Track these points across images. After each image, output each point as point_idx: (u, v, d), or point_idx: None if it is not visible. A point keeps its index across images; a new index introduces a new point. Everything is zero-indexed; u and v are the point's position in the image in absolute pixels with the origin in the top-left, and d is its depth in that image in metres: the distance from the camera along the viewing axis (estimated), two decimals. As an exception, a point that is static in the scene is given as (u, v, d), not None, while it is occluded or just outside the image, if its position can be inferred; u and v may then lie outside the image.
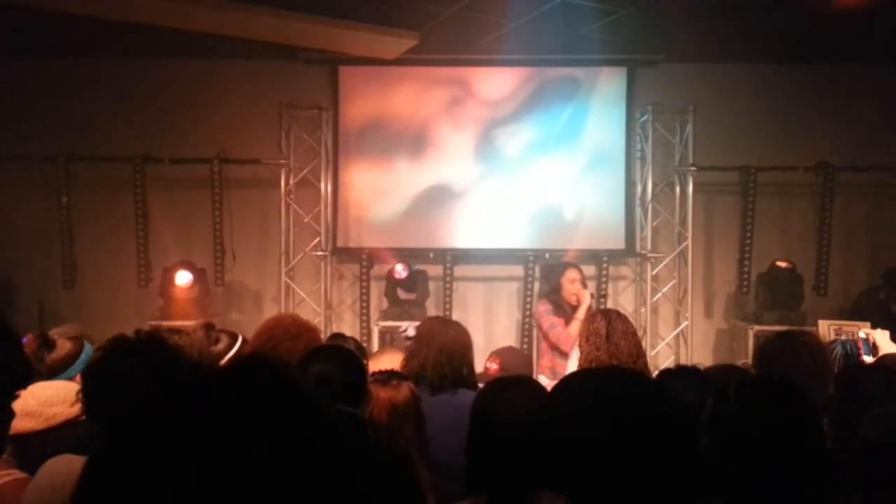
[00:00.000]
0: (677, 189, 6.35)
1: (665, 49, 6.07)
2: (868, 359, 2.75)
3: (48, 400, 1.93)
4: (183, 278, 5.89)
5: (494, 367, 2.64)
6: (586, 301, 4.39)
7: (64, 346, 2.53)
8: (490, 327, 6.70)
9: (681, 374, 2.20)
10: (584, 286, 4.57)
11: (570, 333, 4.19)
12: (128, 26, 4.99)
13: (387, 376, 2.14)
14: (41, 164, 6.06)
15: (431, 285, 6.28)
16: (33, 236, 6.29)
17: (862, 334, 2.82)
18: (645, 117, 6.25)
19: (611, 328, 2.67)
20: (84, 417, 1.99)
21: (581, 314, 4.29)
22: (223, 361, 2.71)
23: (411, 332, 2.68)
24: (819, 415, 1.53)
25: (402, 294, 6.05)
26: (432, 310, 6.29)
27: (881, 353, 2.73)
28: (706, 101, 6.22)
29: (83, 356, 2.53)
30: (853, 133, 6.23)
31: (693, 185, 6.18)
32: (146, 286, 6.17)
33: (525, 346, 6.22)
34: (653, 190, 6.27)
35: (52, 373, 2.41)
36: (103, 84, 6.23)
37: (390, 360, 3.12)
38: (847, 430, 1.82)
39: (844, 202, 6.24)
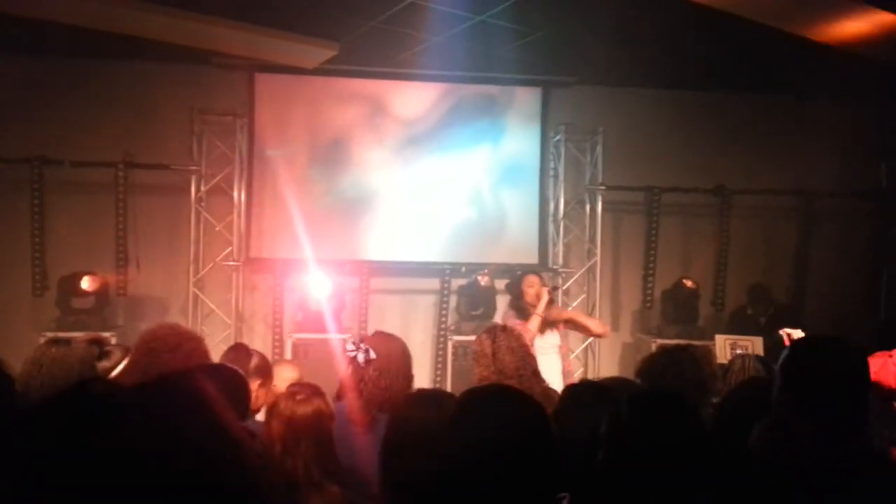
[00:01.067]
0: (587, 207, 6.58)
1: (578, 71, 6.31)
2: None
3: None
4: (82, 287, 5.59)
5: (373, 355, 2.53)
6: (545, 297, 4.51)
7: None
8: (406, 340, 6.67)
9: (585, 391, 2.27)
10: (545, 286, 4.72)
11: (527, 328, 4.34)
12: (34, 22, 4.72)
13: (297, 389, 2.10)
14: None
15: (347, 297, 6.22)
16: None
17: (782, 333, 2.99)
18: (558, 137, 6.46)
19: (495, 346, 2.75)
20: None
21: (540, 309, 4.44)
22: (111, 376, 2.59)
23: (373, 354, 2.46)
24: (705, 426, 1.62)
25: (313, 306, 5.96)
26: (348, 321, 6.24)
27: None
28: (615, 123, 6.49)
29: None
30: (749, 157, 6.66)
31: (602, 203, 6.43)
32: (41, 295, 5.81)
33: (439, 359, 6.25)
34: (565, 207, 6.48)
35: None
36: (5, 81, 5.85)
37: (289, 373, 3.07)
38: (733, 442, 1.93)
39: (741, 222, 6.64)
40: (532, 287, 4.67)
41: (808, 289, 6.65)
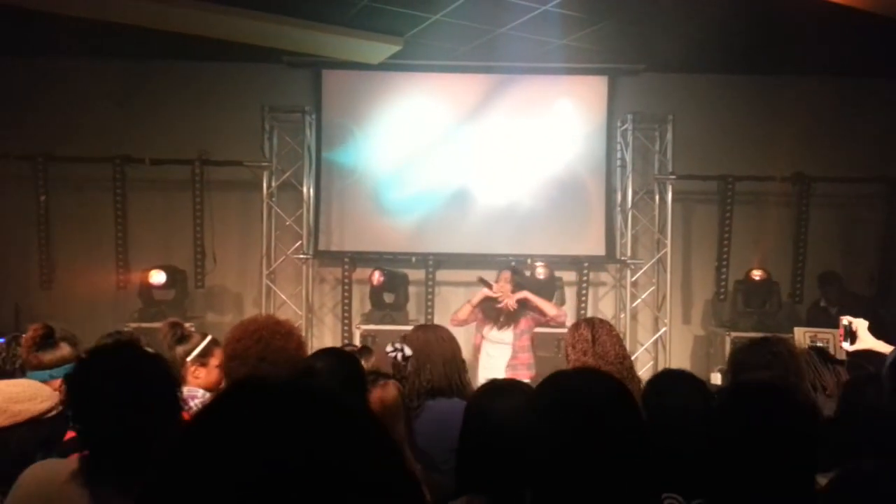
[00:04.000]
0: (657, 197, 6.43)
1: (645, 59, 6.16)
2: (846, 344, 2.88)
3: (13, 397, 1.92)
4: (161, 280, 5.86)
5: (408, 352, 2.72)
6: (479, 296, 4.68)
7: (63, 349, 2.56)
8: (470, 332, 6.71)
9: (673, 378, 2.24)
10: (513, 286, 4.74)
11: (455, 315, 4.73)
12: (112, 26, 4.96)
13: (374, 377, 2.20)
14: (19, 163, 6.00)
15: (413, 289, 6.29)
16: (10, 236, 6.21)
17: (845, 321, 2.93)
18: (626, 126, 6.32)
19: (595, 332, 2.76)
20: (49, 415, 2.02)
21: (475, 301, 4.66)
22: (189, 359, 2.71)
23: (408, 352, 2.67)
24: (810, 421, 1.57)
25: (386, 298, 6.07)
26: (413, 314, 6.31)
27: (859, 341, 2.84)
28: (685, 110, 6.30)
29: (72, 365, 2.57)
30: (829, 143, 6.35)
31: (672, 193, 6.26)
32: (124, 288, 6.12)
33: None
34: (633, 197, 6.35)
35: (37, 368, 2.42)
36: (85, 84, 6.16)
37: None
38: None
39: (820, 211, 6.36)
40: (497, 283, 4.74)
41: (893, 280, 6.30)
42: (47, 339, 2.56)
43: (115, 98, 6.20)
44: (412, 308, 6.35)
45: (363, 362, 2.81)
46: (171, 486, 0.55)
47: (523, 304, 4.59)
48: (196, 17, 4.87)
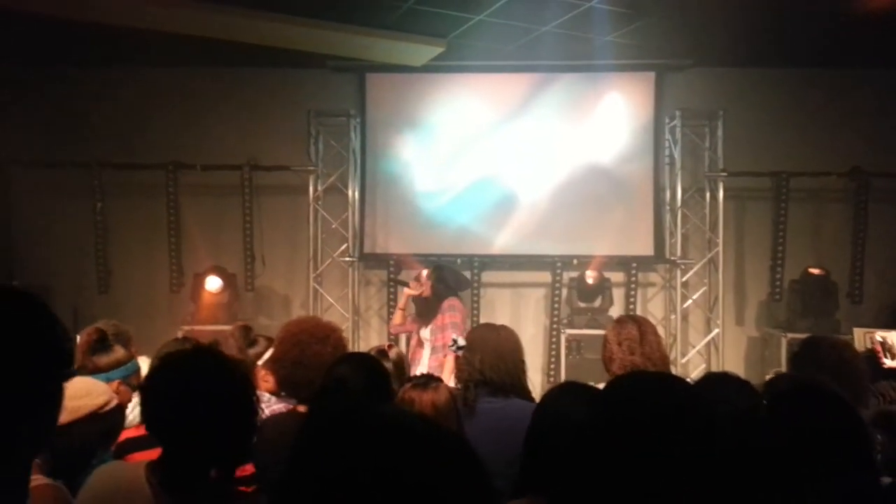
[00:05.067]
0: (707, 195, 6.28)
1: (693, 54, 6.02)
2: (888, 362, 2.74)
3: (73, 393, 1.96)
4: (213, 283, 5.99)
5: (462, 343, 2.75)
6: (403, 297, 4.89)
7: (118, 352, 2.64)
8: (518, 333, 6.67)
9: (724, 381, 2.17)
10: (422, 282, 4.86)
11: (392, 322, 4.95)
12: (163, 36, 5.09)
13: (425, 380, 2.20)
14: (77, 171, 6.21)
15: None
16: (68, 242, 6.43)
17: (878, 337, 2.80)
18: (674, 122, 6.19)
19: (643, 331, 2.69)
20: (106, 408, 2.07)
21: (401, 304, 4.91)
22: (260, 363, 2.75)
23: (461, 342, 2.72)
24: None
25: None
26: (459, 316, 6.30)
27: None
28: (736, 105, 6.14)
29: (130, 365, 2.66)
30: (888, 138, 6.10)
31: (723, 190, 6.11)
32: (178, 291, 6.28)
33: (553, 352, 6.19)
34: (682, 195, 6.21)
35: (93, 372, 2.49)
36: (137, 92, 6.36)
37: None
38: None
39: (879, 208, 6.11)
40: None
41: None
42: (101, 343, 2.62)
43: (167, 106, 6.37)
44: (458, 310, 6.34)
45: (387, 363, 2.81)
46: None
47: (436, 299, 4.64)
48: (244, 24, 4.97)
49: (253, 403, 1.62)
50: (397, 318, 4.91)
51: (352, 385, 1.96)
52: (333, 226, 6.38)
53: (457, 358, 2.69)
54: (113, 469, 1.67)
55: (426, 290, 4.69)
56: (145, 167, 6.22)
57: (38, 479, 1.73)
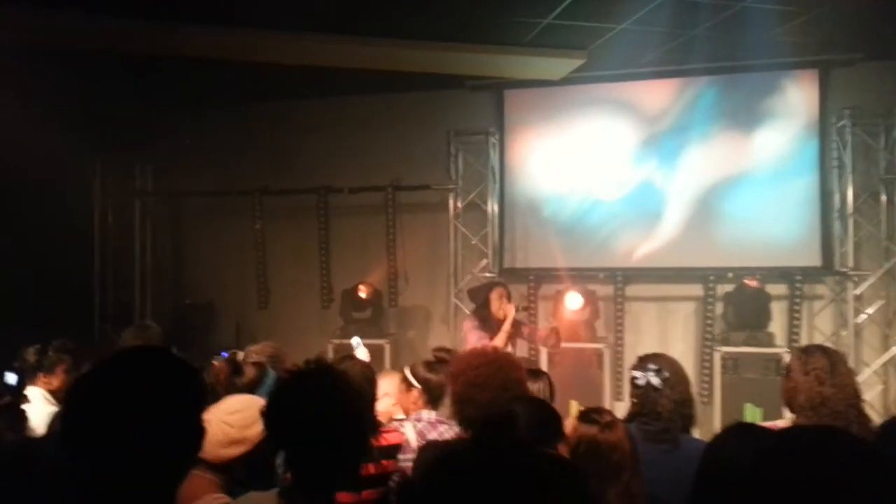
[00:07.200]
0: (883, 199, 5.68)
1: (863, 47, 5.47)
2: None
3: (244, 423, 2.05)
4: (359, 294, 6.23)
5: (666, 374, 2.36)
6: (511, 313, 4.65)
7: (249, 373, 2.81)
8: (664, 350, 6.35)
9: None
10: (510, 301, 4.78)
11: (497, 346, 4.48)
12: (311, 69, 5.37)
13: (597, 415, 2.00)
14: (239, 198, 6.71)
15: (601, 305, 6.10)
16: (232, 263, 6.94)
17: None
18: (842, 122, 5.66)
19: (834, 361, 2.42)
20: None
21: (506, 326, 4.60)
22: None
23: (666, 374, 2.37)
24: None
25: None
26: (601, 331, 6.13)
27: None
28: (914, 100, 5.51)
29: (267, 380, 2.80)
30: None
31: (902, 194, 5.50)
32: (328, 307, 6.59)
33: (706, 371, 5.84)
34: (854, 201, 5.65)
35: (244, 391, 2.64)
36: (291, 124, 6.79)
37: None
38: None
39: None
40: (500, 299, 4.70)
41: None
42: (235, 371, 2.78)
43: (317, 134, 6.73)
44: (600, 325, 6.16)
45: (535, 384, 2.69)
46: None
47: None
48: (388, 53, 5.13)
49: (368, 419, 1.65)
50: (504, 339, 4.71)
51: (522, 421, 1.89)
52: (473, 242, 6.42)
53: (641, 394, 2.42)
54: (246, 500, 1.71)
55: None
56: (299, 191, 6.58)
57: (221, 498, 1.85)
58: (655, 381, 2.36)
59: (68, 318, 5.47)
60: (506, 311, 4.72)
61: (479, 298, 4.89)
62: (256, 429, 2.12)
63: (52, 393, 3.44)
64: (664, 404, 2.35)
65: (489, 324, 4.70)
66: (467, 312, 6.44)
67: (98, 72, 5.42)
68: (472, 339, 4.69)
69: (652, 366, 2.41)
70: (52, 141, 5.10)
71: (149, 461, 1.12)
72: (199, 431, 1.21)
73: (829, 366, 2.41)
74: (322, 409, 1.55)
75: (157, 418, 1.13)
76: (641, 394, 2.41)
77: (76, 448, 1.12)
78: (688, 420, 2.44)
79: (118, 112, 6.43)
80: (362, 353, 3.71)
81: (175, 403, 1.17)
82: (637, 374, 2.43)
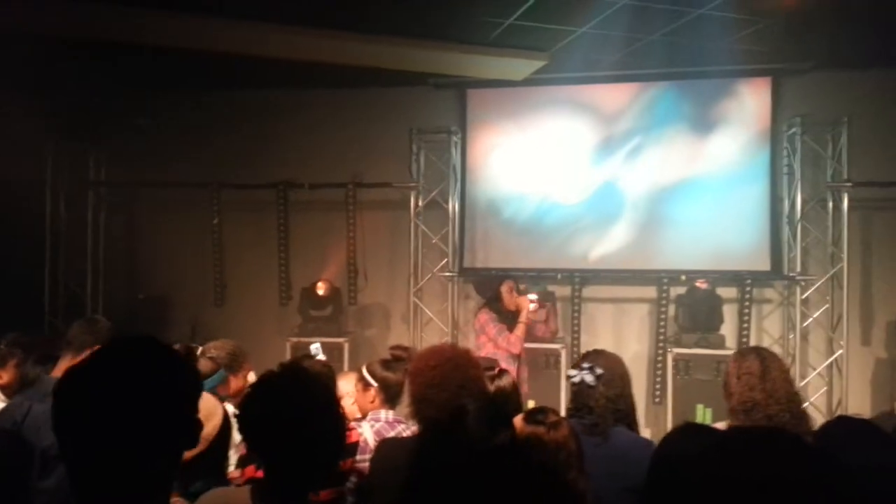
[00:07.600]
0: (830, 206, 5.87)
1: (813, 56, 5.66)
2: None
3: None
4: (317, 292, 6.17)
5: (599, 371, 2.46)
6: (526, 306, 4.85)
7: (204, 367, 2.79)
8: (619, 351, 6.46)
9: (850, 431, 1.94)
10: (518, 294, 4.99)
11: (518, 336, 4.75)
12: (272, 61, 5.32)
13: (543, 415, 2.05)
14: (196, 191, 6.59)
15: (559, 306, 6.17)
16: (188, 258, 6.81)
17: None
18: (793, 130, 5.84)
19: (765, 367, 2.49)
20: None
21: (524, 317, 4.81)
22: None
23: (599, 371, 2.47)
24: None
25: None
26: (560, 331, 6.19)
27: None
28: (861, 111, 5.71)
29: (215, 377, 2.81)
30: None
31: (848, 201, 5.68)
32: (286, 304, 6.52)
33: (658, 372, 5.95)
34: (802, 207, 5.83)
35: None
36: (250, 116, 6.69)
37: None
38: None
39: None
40: (511, 293, 4.89)
41: None
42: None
43: (278, 128, 6.65)
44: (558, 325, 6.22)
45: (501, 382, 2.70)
46: None
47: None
48: (349, 48, 5.11)
49: (342, 421, 1.66)
50: (523, 332, 4.84)
51: (471, 417, 1.90)
52: (434, 240, 6.43)
53: (579, 391, 2.50)
54: (217, 496, 1.70)
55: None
56: (259, 186, 6.50)
57: (177, 502, 1.82)
58: (589, 378, 2.45)
59: (17, 312, 5.30)
60: (518, 303, 4.86)
61: (489, 292, 5.00)
62: (210, 426, 2.10)
63: (2, 388, 3.34)
64: (597, 399, 2.44)
65: (504, 316, 4.81)
66: (427, 312, 6.48)
67: (51, 57, 5.27)
68: (491, 330, 4.80)
69: (586, 364, 2.51)
70: (1, 128, 4.95)
71: (144, 454, 1.09)
72: (194, 422, 1.17)
73: (761, 370, 2.48)
74: (300, 410, 1.56)
75: (153, 409, 1.10)
76: (576, 390, 2.50)
77: (70, 441, 1.09)
78: (623, 415, 2.49)
79: (72, 100, 6.27)
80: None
81: (171, 394, 1.14)
82: (573, 372, 2.53)
